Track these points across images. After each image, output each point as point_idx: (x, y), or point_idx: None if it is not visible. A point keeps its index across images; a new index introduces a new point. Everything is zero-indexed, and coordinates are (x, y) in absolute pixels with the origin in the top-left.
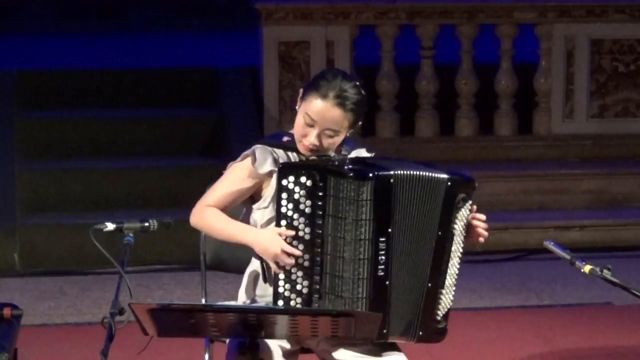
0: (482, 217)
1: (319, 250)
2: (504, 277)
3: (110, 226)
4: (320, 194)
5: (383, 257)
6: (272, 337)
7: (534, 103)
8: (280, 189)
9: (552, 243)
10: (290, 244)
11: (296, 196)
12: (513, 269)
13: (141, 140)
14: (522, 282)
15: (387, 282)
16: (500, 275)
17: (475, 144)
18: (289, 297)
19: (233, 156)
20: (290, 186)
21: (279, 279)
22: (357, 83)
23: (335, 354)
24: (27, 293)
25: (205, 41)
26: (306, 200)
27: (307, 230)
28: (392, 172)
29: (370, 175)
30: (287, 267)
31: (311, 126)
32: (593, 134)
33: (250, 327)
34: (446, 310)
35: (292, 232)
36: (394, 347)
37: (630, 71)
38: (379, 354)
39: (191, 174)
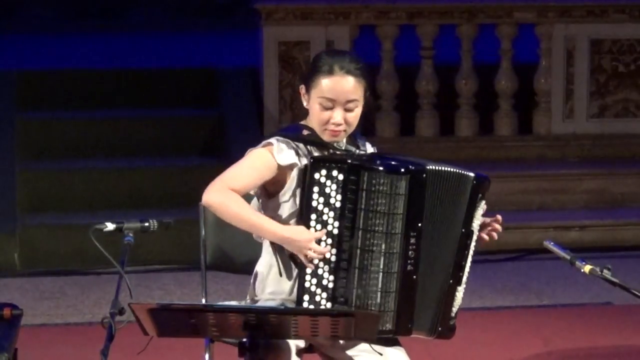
0: (499, 218)
1: (348, 244)
2: (504, 277)
3: (110, 226)
4: (352, 187)
5: (413, 252)
6: (272, 337)
7: (534, 103)
8: (312, 182)
9: (552, 243)
10: (319, 243)
11: (327, 190)
12: (513, 269)
13: (141, 140)
14: (522, 282)
15: (415, 277)
16: (500, 275)
17: (475, 144)
18: (315, 291)
19: (233, 156)
20: (322, 180)
21: (305, 274)
22: (350, 53)
23: (335, 349)
24: (27, 293)
25: (205, 41)
26: (337, 194)
27: (336, 224)
28: (426, 167)
29: (403, 170)
30: (315, 262)
31: (331, 108)
32: (593, 134)
33: (250, 327)
34: (458, 307)
35: (322, 234)
36: (394, 341)
37: (630, 71)
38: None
39: (191, 174)
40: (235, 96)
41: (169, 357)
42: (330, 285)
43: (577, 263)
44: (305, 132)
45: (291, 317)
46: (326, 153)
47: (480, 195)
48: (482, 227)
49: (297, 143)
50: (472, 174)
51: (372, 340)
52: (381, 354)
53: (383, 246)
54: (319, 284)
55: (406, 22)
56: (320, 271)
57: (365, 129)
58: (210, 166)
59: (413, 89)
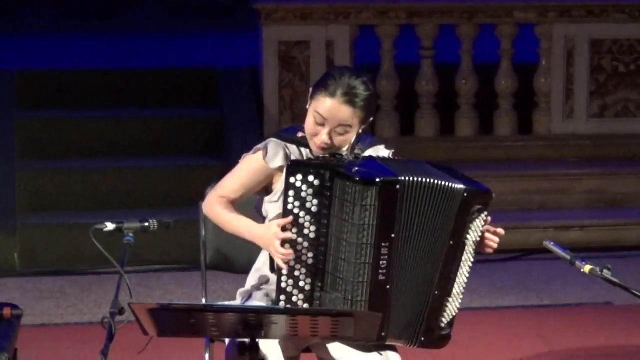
0: (501, 232)
1: (323, 249)
2: (504, 277)
3: (110, 226)
4: (328, 194)
5: (385, 262)
6: (272, 337)
7: (534, 103)
8: (287, 186)
9: (552, 243)
10: (295, 240)
11: (303, 194)
12: (513, 269)
13: (141, 140)
14: (522, 282)
15: (388, 287)
16: (500, 275)
17: (475, 144)
18: (292, 292)
19: (233, 156)
20: (298, 184)
21: (282, 274)
22: (365, 79)
23: (331, 349)
24: (27, 293)
25: (205, 41)
26: (313, 199)
27: (313, 228)
28: (399, 178)
29: (377, 180)
30: (291, 263)
31: (322, 125)
32: (593, 134)
33: (250, 327)
34: (452, 317)
35: (289, 220)
36: (389, 346)
37: (630, 71)
38: (373, 351)
39: (191, 174)
40: (235, 96)
41: (169, 357)
42: (307, 287)
43: (577, 263)
44: (300, 135)
45: (291, 317)
46: (312, 157)
47: (477, 207)
48: (483, 238)
49: (289, 146)
50: (461, 187)
51: (372, 340)
52: (381, 354)
53: (354, 255)
54: (295, 286)
55: (406, 22)
56: (297, 273)
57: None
58: (210, 166)
59: (413, 89)
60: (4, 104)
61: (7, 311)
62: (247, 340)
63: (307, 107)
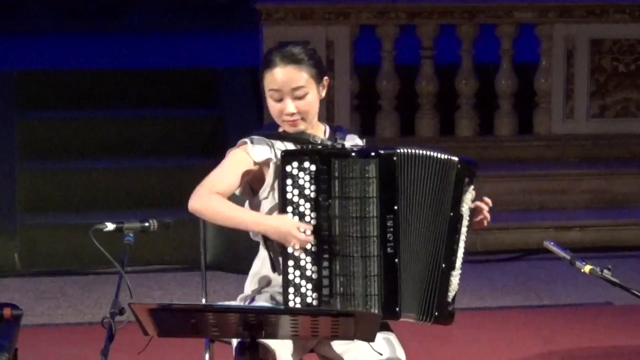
0: (488, 201)
1: (327, 233)
2: (504, 277)
3: (110, 226)
4: (325, 177)
5: (391, 235)
6: (272, 337)
7: (534, 103)
8: (284, 175)
9: (552, 243)
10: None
11: (301, 182)
12: (513, 269)
13: (141, 140)
14: (522, 282)
15: (397, 260)
16: (500, 275)
17: (475, 144)
18: (299, 283)
19: None
20: (295, 172)
21: (288, 266)
22: (297, 42)
23: (332, 345)
24: (27, 293)
25: (205, 41)
26: (311, 185)
27: (313, 215)
28: (395, 151)
29: (373, 153)
30: (297, 253)
31: (280, 99)
32: (593, 134)
33: (251, 327)
34: (455, 292)
35: (309, 226)
36: (384, 327)
37: (630, 71)
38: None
39: (191, 174)
40: (235, 96)
41: (169, 357)
42: (315, 276)
43: (577, 263)
44: (280, 130)
45: (291, 317)
46: (299, 147)
47: (467, 179)
48: (473, 212)
49: (272, 140)
50: (455, 158)
51: (372, 340)
52: (381, 354)
53: (359, 231)
54: (302, 276)
55: (406, 22)
56: (302, 262)
57: (366, 128)
58: (210, 166)
59: (413, 89)
60: (4, 104)
61: (7, 311)
62: (247, 340)
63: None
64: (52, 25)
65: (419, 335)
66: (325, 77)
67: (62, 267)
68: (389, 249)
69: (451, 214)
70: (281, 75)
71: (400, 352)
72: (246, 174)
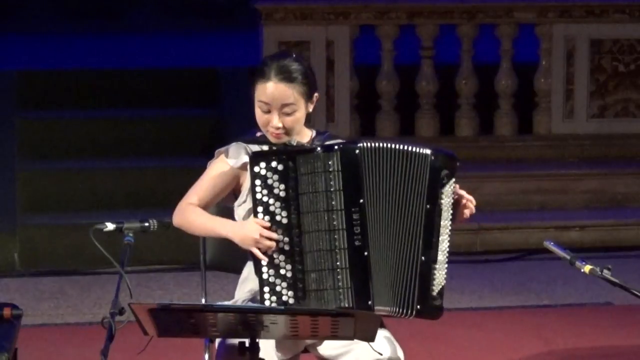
0: (471, 198)
1: (297, 231)
2: (504, 277)
3: (110, 226)
4: (293, 175)
5: (358, 228)
6: (272, 337)
7: (534, 103)
8: (253, 176)
9: (552, 243)
10: (269, 230)
11: (269, 181)
12: (513, 269)
13: (141, 140)
14: (522, 282)
15: (366, 253)
16: (500, 275)
17: (475, 144)
18: (274, 282)
19: None
20: (263, 172)
21: (261, 266)
22: (295, 56)
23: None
24: (27, 293)
25: (205, 41)
26: (280, 184)
27: (284, 213)
28: (358, 145)
29: (336, 147)
30: (269, 252)
31: (268, 112)
32: (593, 134)
33: (250, 327)
34: (441, 287)
35: (268, 223)
36: (381, 325)
37: (630, 71)
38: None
39: (191, 174)
40: (235, 96)
41: (169, 357)
42: (289, 274)
43: (577, 263)
44: (259, 134)
45: (291, 317)
46: (266, 148)
47: (445, 171)
48: (456, 204)
49: (250, 146)
50: (428, 151)
51: (372, 340)
52: (381, 354)
53: (326, 225)
54: (277, 274)
55: (406, 22)
56: (276, 261)
57: (366, 128)
58: None
59: (413, 89)
60: (4, 104)
61: (7, 311)
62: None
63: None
64: (52, 25)
65: (419, 335)
66: (316, 94)
67: (62, 267)
68: (356, 241)
69: (427, 206)
70: (272, 91)
71: (400, 351)
72: (230, 183)
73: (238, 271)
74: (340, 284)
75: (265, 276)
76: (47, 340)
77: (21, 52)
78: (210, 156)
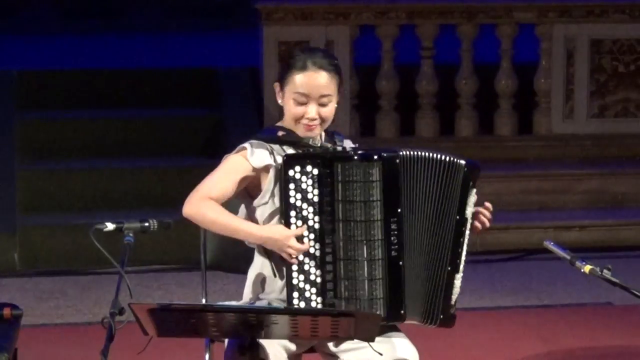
0: (489, 206)
1: (331, 237)
2: (504, 277)
3: (110, 226)
4: (328, 180)
5: (395, 238)
6: (272, 337)
7: (534, 103)
8: (287, 179)
9: (552, 243)
10: (301, 236)
11: (304, 186)
12: (513, 269)
13: (141, 140)
14: (522, 282)
15: (401, 263)
16: (500, 275)
17: (475, 144)
18: (303, 288)
19: None
20: (297, 176)
21: (292, 271)
22: (322, 48)
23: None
24: (27, 293)
25: (205, 41)
26: (314, 189)
27: (317, 219)
28: (399, 154)
29: (376, 157)
30: (300, 258)
31: (304, 103)
32: (593, 134)
33: (251, 327)
34: (457, 295)
35: (304, 231)
36: (393, 329)
37: (630, 71)
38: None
39: (191, 174)
40: (235, 96)
41: (169, 357)
42: (319, 280)
43: (577, 263)
44: (280, 133)
45: (291, 317)
46: (300, 151)
47: (471, 182)
48: (474, 215)
49: (271, 145)
50: (462, 162)
51: (372, 340)
52: (381, 354)
53: (364, 235)
54: (306, 280)
55: (406, 22)
56: (306, 267)
57: (366, 128)
58: (210, 166)
59: (413, 89)
60: (4, 104)
61: (7, 311)
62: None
63: (280, 101)
64: (52, 25)
65: (419, 335)
66: (343, 87)
67: (62, 267)
68: (393, 252)
69: (457, 217)
70: (313, 80)
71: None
72: (244, 180)
73: (238, 271)
74: (375, 293)
75: (295, 282)
76: (47, 340)
77: (21, 52)
78: (210, 156)
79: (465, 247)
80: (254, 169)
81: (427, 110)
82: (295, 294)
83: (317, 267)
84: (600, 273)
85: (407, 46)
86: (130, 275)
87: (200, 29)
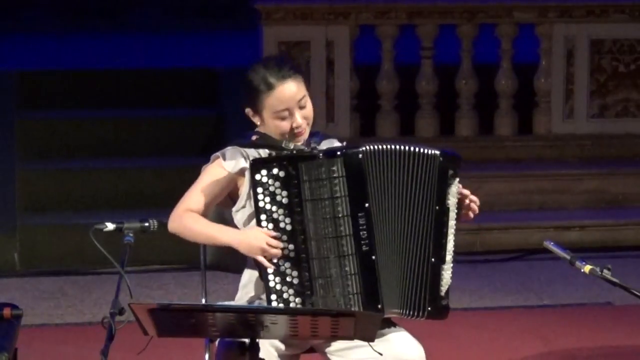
0: (475, 199)
1: (302, 237)
2: (504, 277)
3: (110, 226)
4: (295, 181)
5: (365, 232)
6: (272, 337)
7: (534, 103)
8: (254, 184)
9: (552, 243)
10: (275, 238)
11: (271, 189)
12: (513, 269)
13: (141, 140)
14: (522, 282)
15: (374, 257)
16: (500, 275)
17: (475, 144)
18: (281, 289)
19: None
20: (264, 179)
21: (268, 274)
22: (272, 56)
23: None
24: (27, 293)
25: (205, 41)
26: (282, 190)
27: (288, 220)
28: (361, 149)
29: (339, 153)
30: (275, 260)
31: (289, 115)
32: (593, 134)
33: (250, 327)
34: (447, 287)
35: (275, 233)
36: (391, 324)
37: (630, 71)
38: (381, 334)
39: (191, 174)
40: (235, 96)
41: (169, 357)
42: (295, 280)
43: (577, 263)
44: (254, 137)
45: (291, 317)
46: (267, 154)
47: (451, 172)
48: (459, 204)
49: (246, 150)
50: (437, 152)
51: (372, 340)
52: (381, 354)
53: (333, 231)
54: (283, 282)
55: (406, 22)
56: (282, 268)
57: (366, 129)
58: None
59: (413, 89)
60: (4, 104)
61: (7, 311)
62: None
63: (260, 124)
64: (52, 25)
65: (418, 335)
66: (306, 80)
67: (62, 267)
68: (364, 246)
69: (437, 207)
70: (286, 94)
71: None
72: (226, 187)
73: (238, 271)
74: (349, 289)
75: (272, 284)
76: (47, 340)
77: (21, 52)
78: (210, 156)
79: (451, 238)
80: (231, 174)
81: (427, 110)
82: (274, 297)
83: (292, 268)
84: (600, 273)
85: (407, 46)
86: (130, 275)
87: (200, 29)
